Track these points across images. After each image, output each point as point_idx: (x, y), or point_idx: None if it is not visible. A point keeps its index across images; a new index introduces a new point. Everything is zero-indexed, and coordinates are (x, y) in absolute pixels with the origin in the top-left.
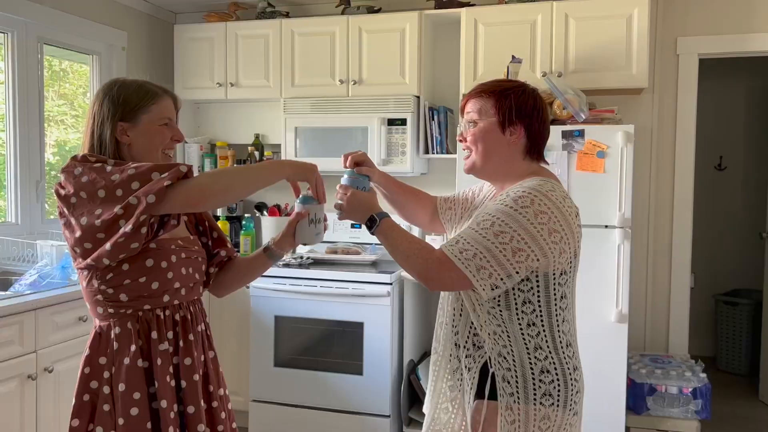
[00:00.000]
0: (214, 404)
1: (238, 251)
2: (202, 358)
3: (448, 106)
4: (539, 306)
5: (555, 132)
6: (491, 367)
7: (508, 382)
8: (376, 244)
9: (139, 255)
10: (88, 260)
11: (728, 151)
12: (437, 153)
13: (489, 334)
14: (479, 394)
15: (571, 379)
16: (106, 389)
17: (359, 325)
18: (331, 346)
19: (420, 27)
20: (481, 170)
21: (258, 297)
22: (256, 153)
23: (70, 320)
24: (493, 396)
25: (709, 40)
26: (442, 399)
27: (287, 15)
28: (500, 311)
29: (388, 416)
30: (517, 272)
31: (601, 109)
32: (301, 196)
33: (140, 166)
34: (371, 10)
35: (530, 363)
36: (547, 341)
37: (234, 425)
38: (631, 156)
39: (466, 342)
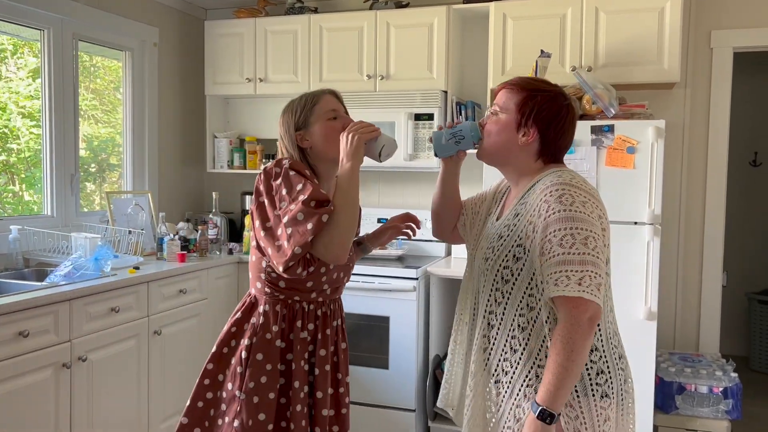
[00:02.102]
0: (341, 390)
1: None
2: (333, 349)
3: (476, 100)
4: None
5: (584, 127)
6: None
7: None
8: (402, 239)
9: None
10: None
11: (764, 147)
12: None
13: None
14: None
15: (617, 368)
16: (244, 354)
17: (385, 320)
18: (358, 339)
19: (448, 21)
20: (489, 159)
21: None
22: None
23: (103, 311)
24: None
25: (744, 33)
26: (484, 398)
27: (315, 10)
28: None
29: (414, 410)
30: (604, 262)
31: (631, 104)
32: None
33: (296, 200)
34: (399, 5)
35: (586, 365)
36: (601, 338)
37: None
38: (662, 152)
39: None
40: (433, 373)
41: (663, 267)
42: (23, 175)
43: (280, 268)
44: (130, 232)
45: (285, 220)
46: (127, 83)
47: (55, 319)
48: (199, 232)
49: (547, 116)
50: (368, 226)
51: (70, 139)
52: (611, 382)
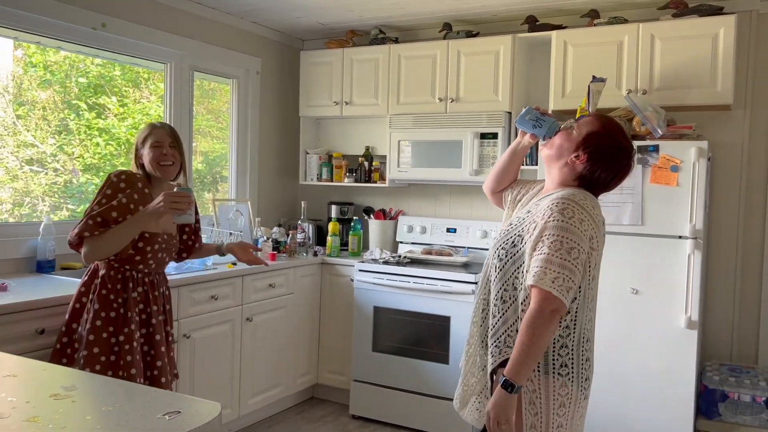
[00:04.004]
0: (168, 328)
1: (200, 243)
2: (161, 308)
3: None
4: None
5: None
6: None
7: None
8: (468, 247)
9: (135, 240)
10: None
11: None
12: (526, 165)
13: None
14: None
15: (581, 368)
16: (88, 305)
17: (446, 319)
18: (422, 336)
19: (513, 49)
20: (544, 157)
21: (360, 289)
22: (366, 163)
23: (204, 298)
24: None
25: None
26: (475, 367)
27: (396, 40)
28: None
29: None
30: (580, 272)
31: (679, 126)
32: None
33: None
34: (470, 35)
35: (552, 356)
36: (573, 338)
37: (172, 354)
38: (704, 170)
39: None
40: None
41: (719, 281)
42: None
43: (70, 239)
44: (230, 233)
45: (87, 214)
46: (233, 107)
47: None
48: (290, 236)
49: (603, 155)
50: (438, 235)
51: (186, 153)
52: (572, 375)
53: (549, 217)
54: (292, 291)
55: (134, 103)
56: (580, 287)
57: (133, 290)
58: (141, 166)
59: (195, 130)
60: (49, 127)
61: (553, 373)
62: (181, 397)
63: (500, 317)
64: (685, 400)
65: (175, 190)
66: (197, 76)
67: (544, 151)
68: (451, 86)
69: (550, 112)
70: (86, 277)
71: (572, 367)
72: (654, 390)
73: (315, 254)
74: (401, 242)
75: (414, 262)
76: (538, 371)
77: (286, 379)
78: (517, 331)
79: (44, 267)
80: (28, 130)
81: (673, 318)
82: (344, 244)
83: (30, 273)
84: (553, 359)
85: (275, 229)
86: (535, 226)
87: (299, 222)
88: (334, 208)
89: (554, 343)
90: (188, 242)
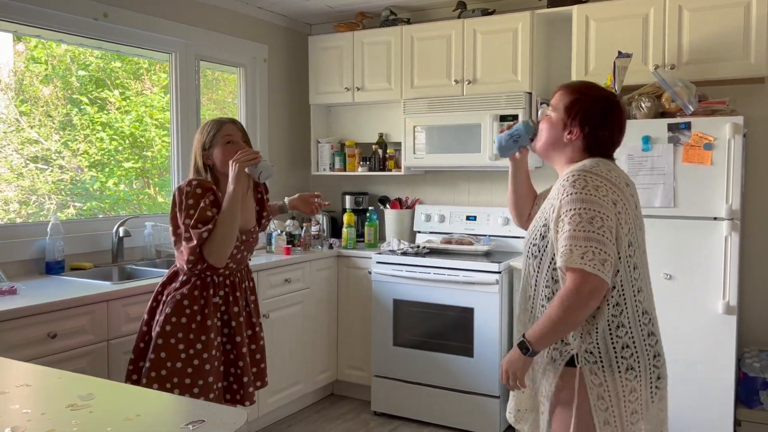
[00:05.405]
0: (257, 329)
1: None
2: (244, 303)
3: None
4: (619, 279)
5: (661, 125)
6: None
7: (591, 353)
8: (490, 235)
9: None
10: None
11: None
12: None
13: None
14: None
15: (645, 344)
16: (162, 308)
17: (470, 311)
18: (444, 329)
19: (532, 26)
20: (542, 152)
21: (378, 282)
22: (380, 151)
23: (279, 281)
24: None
25: None
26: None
27: (408, 21)
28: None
29: (498, 397)
30: (612, 241)
31: (711, 101)
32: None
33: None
34: (485, 12)
35: (612, 340)
36: (629, 320)
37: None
38: (740, 147)
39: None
40: None
41: (757, 264)
42: (156, 180)
43: (185, 267)
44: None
45: (184, 234)
46: (241, 96)
47: None
48: (304, 228)
49: (593, 118)
50: (458, 223)
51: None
52: (637, 357)
53: (563, 194)
54: (308, 285)
55: (136, 96)
56: (619, 256)
57: (214, 295)
58: (208, 167)
59: (200, 121)
60: (53, 123)
61: (617, 362)
62: (205, 405)
63: None
64: (724, 389)
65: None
66: (202, 66)
67: (538, 146)
68: (467, 67)
69: (513, 123)
70: (165, 278)
71: (635, 348)
72: (691, 380)
73: (330, 247)
74: (419, 232)
75: (433, 252)
76: (602, 365)
77: (304, 376)
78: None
79: (54, 268)
80: (31, 127)
81: (709, 304)
82: (360, 235)
83: (39, 275)
84: (614, 345)
85: (288, 221)
86: (553, 209)
87: None
88: (348, 198)
89: (609, 325)
90: (261, 217)
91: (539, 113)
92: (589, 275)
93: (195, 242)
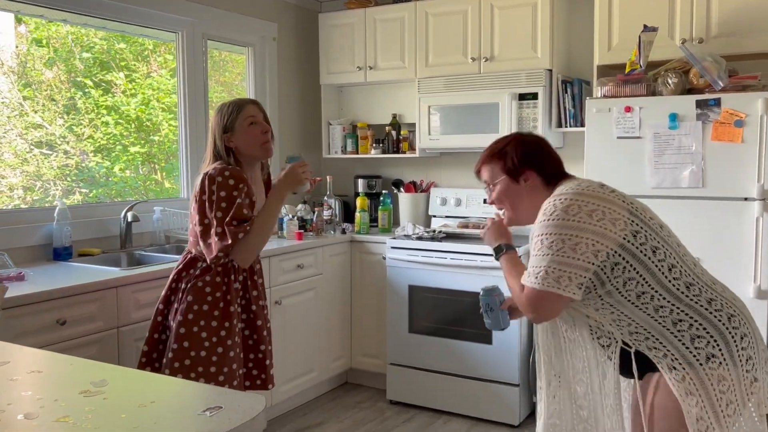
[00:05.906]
0: (265, 312)
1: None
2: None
3: (584, 77)
4: (645, 282)
5: (689, 101)
6: (630, 347)
7: (657, 348)
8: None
9: None
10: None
11: None
12: (570, 126)
13: (611, 323)
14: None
15: (728, 329)
16: (182, 296)
17: None
18: (461, 315)
19: (552, 0)
20: (519, 220)
21: (393, 267)
22: (393, 132)
23: (291, 267)
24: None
25: None
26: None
27: None
28: (603, 302)
29: (518, 385)
30: (590, 262)
31: (742, 76)
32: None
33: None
34: None
35: (676, 336)
36: (687, 313)
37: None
38: None
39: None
40: (536, 350)
41: None
42: (163, 164)
43: (208, 260)
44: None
45: (215, 228)
46: (249, 77)
47: None
48: (315, 213)
49: (528, 156)
50: (475, 207)
51: (201, 129)
52: (715, 343)
53: (536, 222)
54: (321, 271)
55: (143, 78)
56: (656, 249)
57: (235, 281)
58: (229, 150)
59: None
60: (57, 107)
61: (694, 356)
62: (221, 391)
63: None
64: None
65: (288, 159)
66: (210, 46)
67: (517, 221)
68: (484, 44)
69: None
70: (181, 266)
71: (709, 335)
72: None
73: (343, 231)
74: (434, 216)
75: (450, 236)
76: (679, 361)
77: (318, 364)
78: (646, 338)
79: (61, 254)
80: (35, 111)
81: (740, 288)
82: (373, 219)
83: (47, 261)
84: (682, 341)
85: (300, 206)
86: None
87: (325, 198)
88: (360, 182)
89: (678, 336)
90: None
91: (491, 216)
92: (539, 293)
93: (230, 241)
